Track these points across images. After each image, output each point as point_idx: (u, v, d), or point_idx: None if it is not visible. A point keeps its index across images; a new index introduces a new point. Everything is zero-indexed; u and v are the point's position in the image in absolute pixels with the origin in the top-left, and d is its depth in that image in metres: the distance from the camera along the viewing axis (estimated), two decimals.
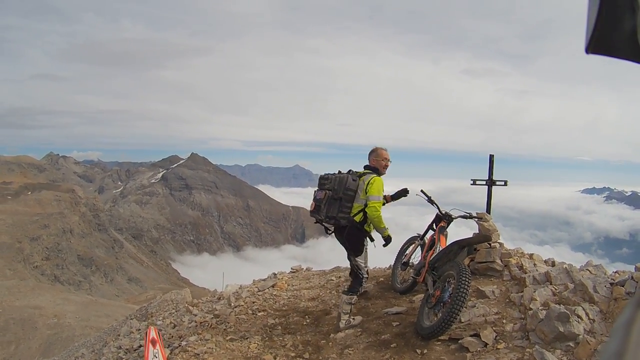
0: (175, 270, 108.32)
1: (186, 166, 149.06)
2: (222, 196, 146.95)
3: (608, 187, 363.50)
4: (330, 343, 5.19)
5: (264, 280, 8.27)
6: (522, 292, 5.22)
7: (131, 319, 11.18)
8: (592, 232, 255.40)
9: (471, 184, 7.32)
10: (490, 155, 7.33)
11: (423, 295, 5.92)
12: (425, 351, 4.48)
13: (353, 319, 5.45)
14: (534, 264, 6.08)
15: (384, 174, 5.46)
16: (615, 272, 5.02)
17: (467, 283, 4.51)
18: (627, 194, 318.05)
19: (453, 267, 4.92)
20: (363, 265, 5.53)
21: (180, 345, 5.54)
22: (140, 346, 6.68)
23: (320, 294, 6.92)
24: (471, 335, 4.47)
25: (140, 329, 8.21)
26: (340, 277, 7.64)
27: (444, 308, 4.75)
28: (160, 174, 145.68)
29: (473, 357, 4.16)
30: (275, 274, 8.49)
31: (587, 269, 5.29)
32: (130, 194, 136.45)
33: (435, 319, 4.81)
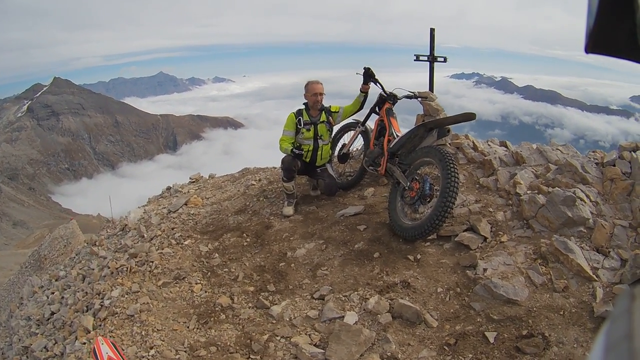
0: (56, 203, 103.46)
1: (50, 92, 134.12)
2: (89, 116, 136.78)
3: (477, 73, 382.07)
4: (292, 265, 4.15)
5: (161, 196, 6.79)
6: (494, 175, 4.71)
7: (27, 272, 9.73)
8: None
9: (414, 60, 6.73)
10: (430, 29, 6.77)
11: (373, 189, 5.22)
12: (418, 256, 3.72)
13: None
14: (489, 145, 5.63)
15: (317, 108, 5.29)
16: (593, 151, 4.65)
17: (455, 169, 3.72)
18: (496, 79, 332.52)
19: (429, 153, 4.09)
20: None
21: (103, 306, 4.03)
22: (53, 313, 5.05)
23: (247, 203, 5.68)
24: (465, 230, 3.81)
25: (42, 286, 6.53)
26: (259, 179, 6.41)
27: (429, 202, 4.01)
28: (26, 106, 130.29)
29: (481, 256, 3.49)
30: (170, 188, 7.10)
31: (557, 149, 4.90)
32: None
33: (418, 216, 4.08)
